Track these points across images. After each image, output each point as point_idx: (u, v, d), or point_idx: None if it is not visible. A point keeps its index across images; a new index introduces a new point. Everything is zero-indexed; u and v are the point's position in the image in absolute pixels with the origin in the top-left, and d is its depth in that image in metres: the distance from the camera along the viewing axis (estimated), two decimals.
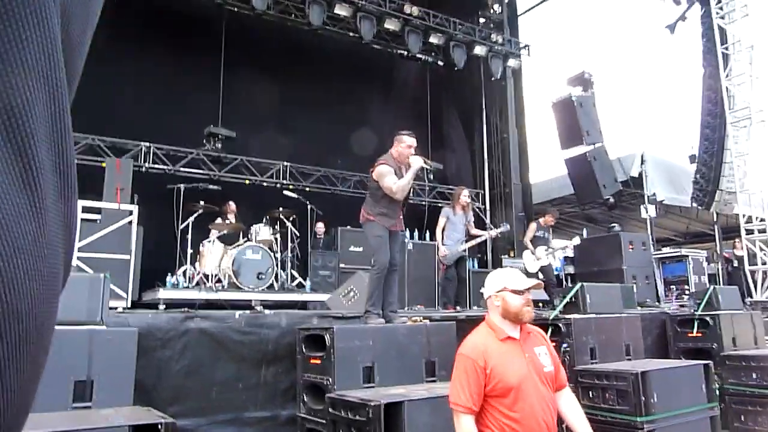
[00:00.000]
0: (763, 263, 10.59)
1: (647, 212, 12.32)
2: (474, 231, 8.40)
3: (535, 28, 16.18)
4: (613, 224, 12.29)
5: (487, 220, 13.56)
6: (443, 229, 8.15)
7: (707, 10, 11.69)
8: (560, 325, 5.68)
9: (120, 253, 6.52)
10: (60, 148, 0.45)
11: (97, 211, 6.69)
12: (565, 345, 5.58)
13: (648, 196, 12.61)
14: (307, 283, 8.66)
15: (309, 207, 9.30)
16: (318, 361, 4.36)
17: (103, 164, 7.80)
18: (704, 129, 11.77)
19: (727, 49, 11.36)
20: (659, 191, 12.91)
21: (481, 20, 14.36)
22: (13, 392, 0.39)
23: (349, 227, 10.08)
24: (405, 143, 5.20)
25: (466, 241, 8.22)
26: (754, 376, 6.38)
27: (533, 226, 9.82)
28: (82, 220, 6.48)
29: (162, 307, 6.30)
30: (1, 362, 0.37)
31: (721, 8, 11.46)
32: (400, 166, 5.19)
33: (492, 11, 14.37)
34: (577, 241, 9.51)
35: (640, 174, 13.00)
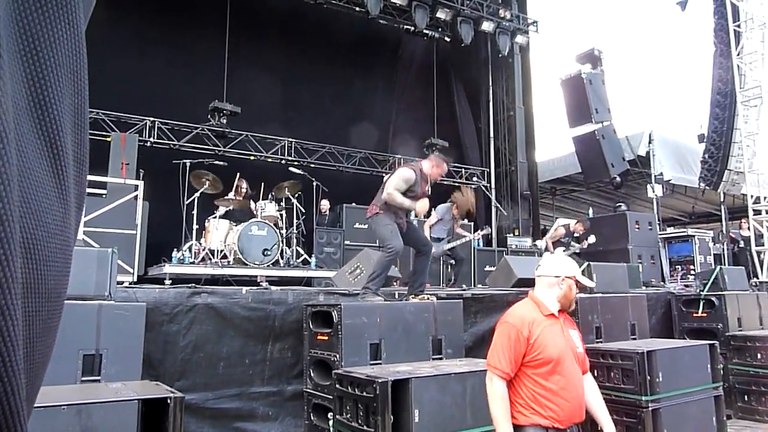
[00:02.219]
0: None
1: (654, 192, 12.24)
2: (459, 231, 8.51)
3: (544, 4, 15.90)
4: (619, 203, 12.24)
5: (493, 198, 13.53)
6: (432, 226, 8.14)
7: None
8: None
9: (125, 228, 6.52)
10: (80, 137, 0.48)
11: (103, 186, 6.67)
12: None
13: (655, 176, 12.52)
14: (312, 260, 8.67)
15: (314, 183, 9.27)
16: (325, 338, 4.37)
17: (109, 139, 7.77)
18: (714, 108, 11.64)
19: (739, 26, 11.17)
20: (666, 170, 12.82)
21: None
22: (39, 365, 0.42)
23: (354, 204, 10.06)
24: (443, 169, 5.35)
25: (449, 241, 8.25)
26: (759, 356, 6.40)
27: (561, 231, 9.86)
28: (87, 194, 6.46)
29: (168, 282, 6.32)
30: (34, 339, 0.39)
31: None
32: (422, 181, 5.15)
33: None
34: (593, 239, 9.43)
35: (648, 153, 12.90)
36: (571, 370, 2.77)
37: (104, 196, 6.63)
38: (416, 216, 5.16)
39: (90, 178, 6.46)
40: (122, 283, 5.31)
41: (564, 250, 9.48)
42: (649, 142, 12.86)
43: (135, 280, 6.30)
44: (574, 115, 12.59)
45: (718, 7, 11.61)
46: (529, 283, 6.87)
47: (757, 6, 11.06)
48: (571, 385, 2.74)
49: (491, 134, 14.36)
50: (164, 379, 3.98)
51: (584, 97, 12.12)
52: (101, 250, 3.97)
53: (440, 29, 13.19)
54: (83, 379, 3.41)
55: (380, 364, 4.26)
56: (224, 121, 10.34)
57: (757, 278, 10.32)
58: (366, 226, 9.67)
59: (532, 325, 2.77)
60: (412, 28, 12.26)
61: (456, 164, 13.58)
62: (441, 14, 11.86)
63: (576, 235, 9.69)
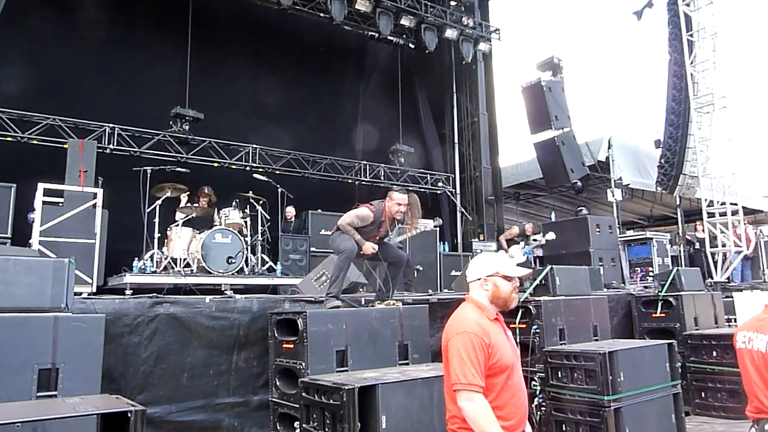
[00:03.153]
0: (723, 245, 10.91)
1: (613, 196, 12.55)
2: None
3: (506, 13, 16.21)
4: (580, 207, 12.50)
5: (458, 203, 13.66)
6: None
7: None
8: (530, 307, 5.76)
9: (84, 238, 6.34)
10: None
11: (60, 194, 6.48)
12: (534, 326, 5.66)
13: (614, 180, 12.84)
14: (278, 267, 8.59)
15: (279, 190, 9.20)
16: (291, 346, 4.33)
17: (66, 146, 7.55)
18: (669, 114, 12.02)
19: (692, 36, 11.57)
20: (625, 175, 13.16)
21: (452, 3, 14.29)
22: None
23: (319, 210, 10.02)
24: (395, 200, 5.18)
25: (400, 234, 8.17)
26: (714, 354, 6.61)
27: (515, 230, 10.05)
28: (43, 203, 6.28)
29: (129, 292, 6.17)
30: None
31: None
32: (382, 221, 5.17)
33: None
34: (551, 236, 9.62)
35: (607, 158, 13.23)
36: (520, 375, 2.63)
37: (61, 204, 6.44)
38: (370, 250, 5.15)
39: (46, 186, 6.30)
40: (80, 294, 5.17)
41: (521, 249, 9.65)
42: (609, 148, 13.19)
43: (94, 290, 6.13)
44: (535, 121, 12.85)
45: (672, 17, 12.01)
46: None
47: (709, 17, 11.47)
48: (521, 390, 2.60)
49: (456, 140, 14.51)
50: (125, 392, 3.88)
51: (544, 104, 12.38)
52: (57, 260, 3.85)
53: (404, 36, 13.29)
54: (39, 394, 3.29)
55: (347, 371, 4.24)
56: (186, 127, 10.18)
57: (712, 278, 10.66)
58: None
59: (486, 329, 2.56)
60: (377, 35, 12.31)
61: (421, 170, 13.67)
62: (405, 21, 11.94)
63: (528, 234, 9.89)
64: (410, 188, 12.89)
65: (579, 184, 12.59)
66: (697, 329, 7.03)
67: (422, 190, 13.42)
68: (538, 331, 5.65)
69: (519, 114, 13.65)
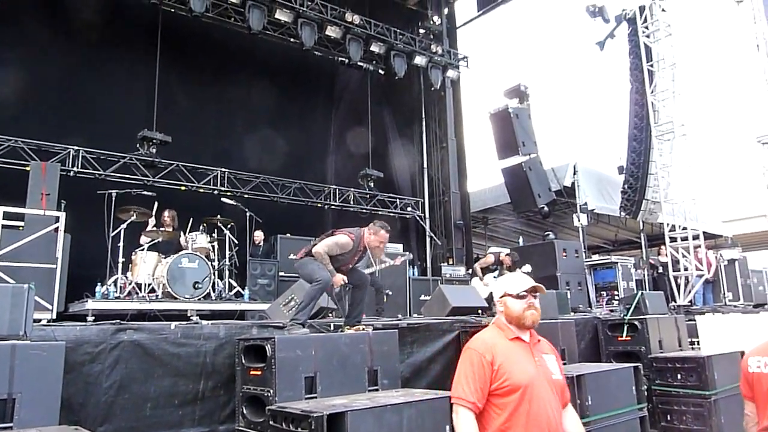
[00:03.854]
0: (686, 269, 11.18)
1: (579, 221, 12.78)
2: (381, 257, 8.33)
3: (473, 41, 16.56)
4: (547, 232, 12.69)
5: (427, 228, 13.73)
6: None
7: (634, 29, 12.31)
8: None
9: (45, 262, 6.15)
10: None
11: (20, 217, 6.30)
12: None
13: (580, 205, 13.09)
14: (246, 292, 8.47)
15: (248, 214, 9.12)
16: (258, 373, 4.25)
17: (27, 168, 7.37)
18: (631, 141, 12.36)
19: (652, 66, 11.98)
20: (590, 200, 13.44)
21: (421, 31, 14.59)
22: None
23: (288, 235, 9.94)
24: (380, 238, 5.21)
25: (369, 266, 8.11)
26: (679, 376, 6.71)
27: (491, 258, 10.12)
28: (3, 227, 6.09)
29: (91, 318, 6.00)
30: None
31: (646, 27, 12.09)
32: (359, 250, 5.17)
33: (432, 23, 14.61)
34: (528, 268, 9.71)
35: (573, 184, 13.50)
36: (545, 399, 2.54)
37: (21, 228, 6.25)
38: (340, 283, 5.13)
39: (6, 209, 6.12)
40: (40, 320, 5.00)
41: (494, 277, 9.72)
42: (574, 174, 13.48)
43: (54, 317, 5.93)
44: (502, 147, 13.08)
45: (632, 47, 12.43)
46: (464, 311, 6.97)
47: (668, 48, 11.92)
48: (543, 416, 2.50)
49: (425, 165, 14.66)
50: (86, 423, 3.74)
51: (511, 130, 12.63)
52: (16, 285, 3.72)
53: (374, 62, 13.46)
54: None
55: (315, 398, 4.17)
56: (154, 150, 10.05)
57: (675, 302, 10.89)
58: None
59: (494, 348, 2.58)
60: (347, 60, 12.44)
61: (390, 194, 13.73)
62: (375, 48, 12.12)
63: (504, 263, 9.97)
64: (379, 213, 12.96)
65: (546, 209, 12.81)
66: (662, 352, 7.15)
67: (391, 214, 13.46)
68: None
69: (487, 140, 13.87)
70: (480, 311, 7.72)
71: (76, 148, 9.59)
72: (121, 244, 7.56)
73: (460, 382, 2.57)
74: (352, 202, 12.95)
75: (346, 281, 5.18)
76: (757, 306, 12.14)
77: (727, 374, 6.31)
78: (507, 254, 10.19)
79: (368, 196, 13.14)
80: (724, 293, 12.45)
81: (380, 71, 14.09)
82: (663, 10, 12.13)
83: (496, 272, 9.97)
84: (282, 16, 10.81)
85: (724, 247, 15.92)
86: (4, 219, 6.14)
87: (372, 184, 13.13)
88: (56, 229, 6.37)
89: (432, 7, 14.71)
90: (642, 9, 12.19)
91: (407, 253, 9.91)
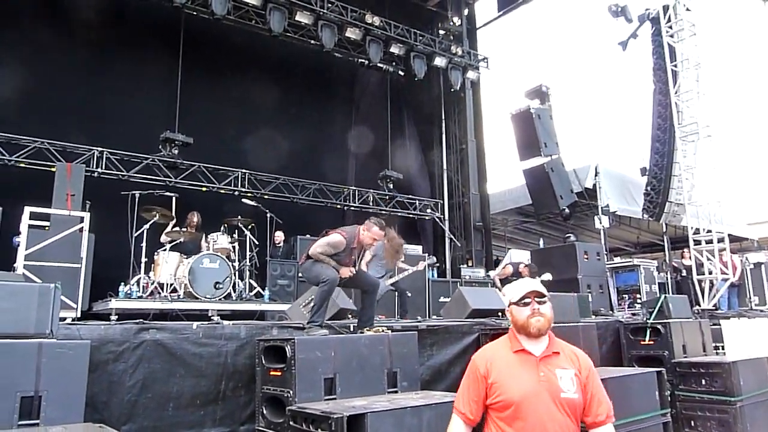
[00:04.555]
0: (710, 273, 10.98)
1: (601, 223, 12.64)
2: (401, 265, 8.19)
3: (494, 41, 16.48)
4: (568, 234, 12.57)
5: (446, 230, 13.69)
6: (367, 263, 7.89)
7: (657, 29, 12.14)
8: None
9: (69, 262, 6.27)
10: None
11: (46, 217, 6.42)
12: None
13: (602, 207, 12.94)
14: (266, 293, 8.52)
15: (268, 215, 9.17)
16: (278, 373, 4.27)
17: (53, 169, 7.50)
18: (654, 143, 12.19)
19: (675, 66, 11.80)
20: (612, 202, 13.27)
21: (441, 32, 14.55)
22: None
23: (308, 236, 9.98)
24: (373, 234, 5.16)
25: (390, 276, 8.04)
26: (703, 382, 6.59)
27: (509, 269, 10.04)
28: (30, 226, 6.21)
29: (114, 317, 6.08)
30: None
31: (670, 27, 11.92)
32: (353, 248, 5.16)
33: (452, 23, 14.58)
34: (548, 277, 9.62)
35: (594, 185, 13.35)
36: (543, 418, 2.36)
37: (47, 228, 6.37)
38: (345, 273, 5.11)
39: (33, 209, 6.24)
40: (65, 319, 5.08)
41: None
42: (596, 175, 13.33)
43: (78, 316, 6.03)
44: (524, 148, 12.98)
45: (656, 48, 12.27)
46: (484, 313, 6.93)
47: (692, 47, 11.74)
48: None
49: (444, 166, 14.62)
50: (110, 422, 3.79)
51: (533, 131, 12.53)
52: (43, 285, 3.79)
53: (394, 63, 13.46)
54: (20, 423, 3.21)
55: (335, 399, 4.18)
56: (176, 151, 10.18)
57: (699, 306, 10.71)
58: None
59: (491, 362, 2.51)
60: (367, 62, 12.46)
61: (410, 196, 13.72)
62: (395, 49, 12.12)
63: (523, 276, 9.87)
64: (398, 214, 12.96)
65: (567, 211, 12.68)
66: (686, 357, 7.03)
67: (410, 216, 13.45)
68: None
69: (506, 141, 13.80)
70: (500, 314, 7.68)
71: (100, 149, 9.75)
72: (143, 244, 7.67)
73: (459, 391, 2.61)
74: (371, 204, 12.97)
75: (354, 272, 5.16)
76: None
77: (753, 380, 6.19)
78: (526, 265, 10.09)
79: (387, 197, 13.14)
80: (749, 297, 12.20)
81: (400, 72, 14.09)
82: (687, 9, 11.94)
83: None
84: (302, 18, 10.87)
85: (749, 250, 15.63)
86: (30, 219, 6.27)
87: (391, 186, 13.13)
88: (81, 229, 6.48)
89: (452, 8, 14.67)
90: (666, 8, 12.02)
91: (432, 257, 9.83)
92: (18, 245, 6.25)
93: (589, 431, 2.54)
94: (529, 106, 12.94)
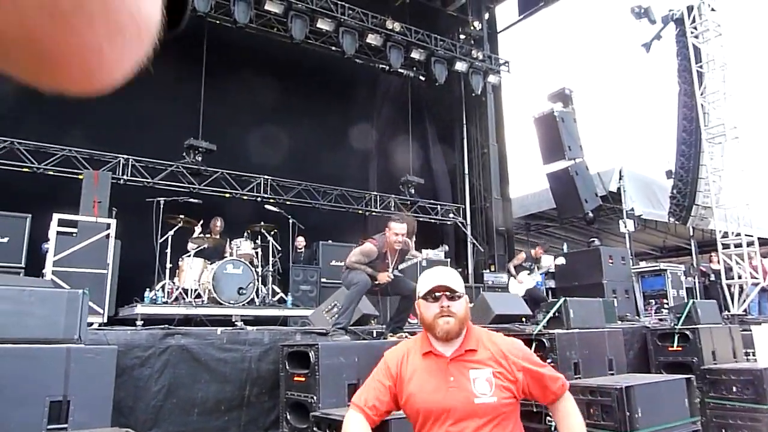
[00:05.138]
0: (739, 277, 10.75)
1: (626, 227, 12.46)
2: (412, 252, 8.11)
3: (515, 45, 16.40)
4: (592, 239, 12.41)
5: (469, 234, 13.62)
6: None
7: (682, 30, 11.96)
8: (544, 340, 5.67)
9: (96, 268, 6.37)
10: None
11: (74, 224, 6.54)
12: (549, 360, 5.56)
13: (627, 211, 12.76)
14: (288, 298, 8.56)
15: (290, 221, 9.22)
16: (302, 379, 4.28)
17: (81, 177, 7.64)
18: (680, 145, 12.00)
19: (701, 67, 11.62)
20: (637, 206, 13.09)
21: (462, 37, 14.52)
22: None
23: (330, 241, 10.02)
24: (392, 230, 5.16)
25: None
26: (734, 389, 6.43)
27: (522, 255, 9.95)
28: (58, 233, 6.33)
29: (140, 323, 6.16)
30: None
31: (695, 28, 11.73)
32: (385, 252, 5.18)
33: (472, 28, 14.54)
34: (561, 261, 9.54)
35: (619, 189, 13.18)
36: (454, 429, 2.05)
37: (75, 234, 6.49)
38: (383, 278, 5.11)
39: (61, 216, 6.35)
40: (92, 324, 5.16)
41: (528, 274, 9.53)
42: (620, 178, 13.15)
43: (105, 321, 6.12)
44: (547, 152, 12.86)
45: (680, 49, 12.09)
46: (507, 319, 6.87)
47: (718, 48, 11.54)
48: None
49: (466, 171, 14.55)
50: (135, 427, 3.83)
51: (557, 134, 12.41)
52: (71, 291, 3.85)
53: (415, 68, 13.47)
54: (49, 427, 3.26)
55: None
56: (199, 158, 10.29)
57: (728, 311, 10.48)
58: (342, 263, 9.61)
59: (405, 362, 2.20)
60: (388, 67, 12.48)
61: (431, 201, 13.68)
62: (415, 54, 12.13)
63: (537, 257, 9.79)
64: (420, 219, 12.93)
65: (591, 214, 12.53)
66: (716, 363, 6.87)
67: (432, 221, 13.41)
68: (552, 365, 5.55)
69: (528, 145, 13.70)
70: (524, 319, 7.60)
71: (126, 157, 9.91)
72: (168, 250, 7.75)
73: (364, 387, 2.27)
74: (392, 209, 12.96)
75: (392, 278, 5.17)
76: None
77: None
78: (537, 246, 9.98)
79: (409, 202, 13.12)
80: None
81: (420, 78, 14.09)
82: (712, 9, 11.75)
83: (533, 268, 9.73)
84: (323, 25, 10.94)
85: None
86: (58, 226, 6.38)
87: (413, 191, 13.11)
88: (108, 236, 6.58)
89: (472, 12, 14.63)
90: (690, 9, 11.84)
91: (444, 245, 9.59)
92: (46, 252, 6.37)
93: (550, 409, 2.33)
94: (552, 109, 12.83)
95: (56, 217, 6.40)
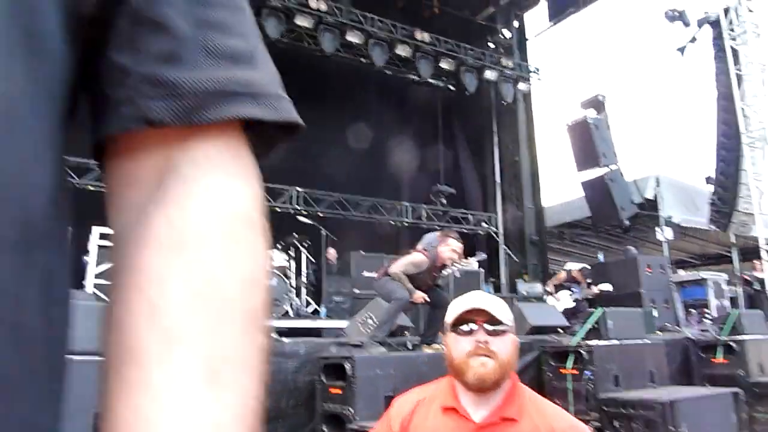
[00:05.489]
0: None
1: (664, 234, 12.18)
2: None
3: (547, 51, 16.29)
4: (628, 247, 12.15)
5: (501, 244, 13.49)
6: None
7: (719, 32, 11.71)
8: (582, 352, 5.55)
9: None
10: None
11: None
12: (588, 373, 5.44)
13: (664, 219, 12.48)
14: (322, 310, 8.58)
15: (323, 233, 9.27)
16: (338, 391, 4.27)
17: None
18: (720, 150, 11.71)
19: (740, 70, 11.34)
20: (675, 213, 12.79)
21: (491, 45, 14.47)
22: None
23: (362, 252, 10.01)
24: (450, 246, 5.14)
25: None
26: None
27: (563, 275, 9.74)
28: (98, 246, 6.47)
29: None
30: None
31: (732, 30, 11.47)
32: (435, 265, 5.15)
33: (501, 36, 14.49)
34: (607, 287, 9.25)
35: (655, 196, 12.90)
36: None
37: None
38: (417, 299, 5.07)
39: (101, 229, 6.49)
40: None
41: (570, 295, 9.34)
42: (657, 185, 12.88)
43: None
44: (581, 159, 12.67)
45: (717, 52, 11.83)
46: (543, 330, 6.76)
47: (757, 50, 11.26)
48: None
49: (497, 180, 14.44)
50: None
51: (591, 141, 12.22)
52: None
53: (444, 78, 13.46)
54: None
55: None
56: None
57: None
58: (375, 274, 9.61)
59: (410, 418, 1.59)
60: (417, 78, 12.50)
61: (462, 210, 13.60)
62: (444, 65, 12.12)
63: (576, 280, 9.55)
64: (453, 228, 12.86)
65: (627, 222, 12.29)
66: (764, 377, 6.63)
67: (465, 230, 13.32)
68: (591, 377, 5.42)
69: (561, 152, 13.55)
70: (560, 329, 7.46)
71: None
72: None
73: None
74: (424, 219, 12.92)
75: (427, 300, 5.14)
76: None
77: None
78: (579, 270, 9.73)
79: (441, 212, 13.07)
80: None
81: (450, 87, 14.07)
82: (750, 10, 11.48)
83: (574, 289, 9.57)
84: (353, 38, 11.03)
85: None
86: (99, 239, 6.53)
87: (444, 201, 13.06)
88: None
89: (502, 20, 14.58)
90: (726, 11, 11.58)
91: (481, 253, 9.42)
92: (87, 265, 6.52)
93: None
94: (585, 117, 12.65)
95: (96, 230, 6.55)
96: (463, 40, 12.70)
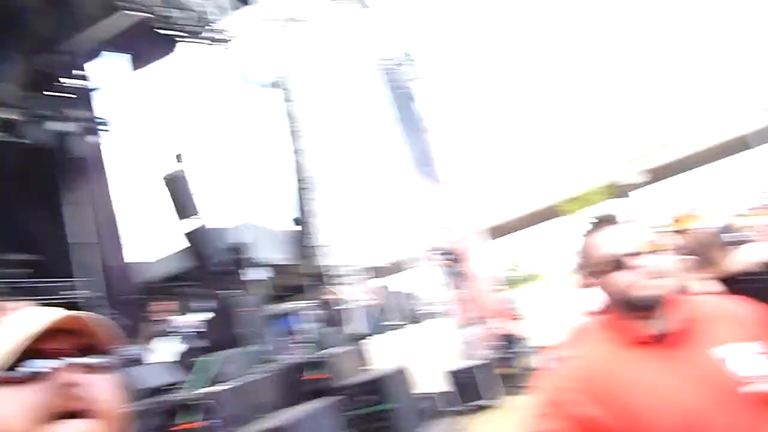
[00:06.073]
0: (354, 301, 12.54)
1: (254, 275, 13.29)
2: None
3: (118, 104, 15.79)
4: (223, 292, 12.74)
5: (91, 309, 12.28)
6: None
7: (284, 94, 13.69)
8: (205, 402, 5.44)
9: None
10: None
11: None
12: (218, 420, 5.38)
13: (254, 260, 13.58)
14: None
15: None
16: None
17: None
18: (297, 192, 13.63)
19: (296, 126, 13.49)
20: (264, 253, 14.02)
21: (55, 94, 13.18)
22: None
23: None
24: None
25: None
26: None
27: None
28: None
29: None
30: None
31: (291, 94, 13.59)
32: None
33: (66, 86, 13.36)
34: (204, 315, 9.29)
35: (245, 242, 13.96)
36: None
37: None
38: None
39: None
40: None
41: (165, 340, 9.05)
42: (246, 231, 13.98)
43: None
44: (178, 211, 12.77)
45: (282, 110, 13.77)
46: (158, 392, 6.33)
47: (302, 110, 13.68)
48: None
49: (72, 241, 13.12)
50: None
51: (184, 193, 12.45)
52: None
53: (6, 132, 11.66)
54: None
55: None
56: None
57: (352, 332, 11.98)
58: None
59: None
60: None
61: (44, 280, 11.84)
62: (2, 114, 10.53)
63: (166, 319, 9.39)
64: (36, 301, 11.05)
65: (223, 268, 12.89)
66: (348, 380, 7.59)
67: (49, 301, 11.63)
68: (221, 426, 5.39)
69: (161, 205, 13.33)
70: (174, 386, 7.14)
71: None
72: None
73: None
74: None
75: None
76: None
77: None
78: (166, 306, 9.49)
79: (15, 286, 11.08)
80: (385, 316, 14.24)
81: (16, 140, 12.22)
82: (304, 78, 13.64)
83: (167, 332, 9.23)
84: None
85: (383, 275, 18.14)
86: None
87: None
88: None
89: (68, 69, 13.44)
90: (285, 78, 13.56)
91: None
92: None
93: None
94: (176, 170, 12.79)
95: None
96: (22, 88, 11.25)
